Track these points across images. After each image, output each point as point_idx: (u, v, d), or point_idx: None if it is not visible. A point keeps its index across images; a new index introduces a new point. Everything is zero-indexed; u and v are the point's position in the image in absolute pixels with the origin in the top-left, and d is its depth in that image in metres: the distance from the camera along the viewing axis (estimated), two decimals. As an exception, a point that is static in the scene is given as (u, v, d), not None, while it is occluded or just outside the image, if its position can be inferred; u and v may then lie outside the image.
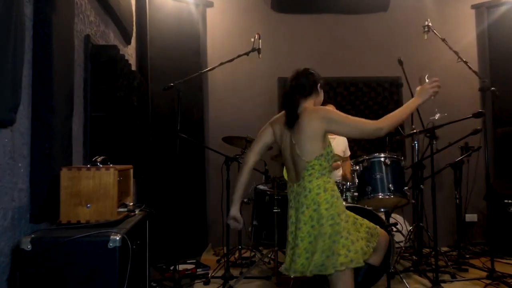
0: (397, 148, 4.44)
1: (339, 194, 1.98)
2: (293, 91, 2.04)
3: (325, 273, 1.87)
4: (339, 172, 3.80)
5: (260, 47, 3.12)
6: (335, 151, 3.61)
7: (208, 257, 3.89)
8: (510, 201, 3.83)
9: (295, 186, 2.00)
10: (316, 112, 1.97)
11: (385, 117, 1.95)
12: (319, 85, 2.10)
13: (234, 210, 2.17)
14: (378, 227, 2.11)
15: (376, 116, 4.52)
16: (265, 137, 2.15)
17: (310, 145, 1.93)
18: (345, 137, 1.96)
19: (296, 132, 1.97)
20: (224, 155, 3.19)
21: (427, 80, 2.01)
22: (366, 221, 2.07)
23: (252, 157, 2.14)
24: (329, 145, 2.00)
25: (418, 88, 2.02)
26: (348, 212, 2.00)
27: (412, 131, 3.42)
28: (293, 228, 1.98)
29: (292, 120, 1.99)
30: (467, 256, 3.72)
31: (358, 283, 2.57)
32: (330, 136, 4.20)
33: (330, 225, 1.87)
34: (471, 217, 4.40)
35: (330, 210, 1.88)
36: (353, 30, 4.62)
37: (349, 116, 1.96)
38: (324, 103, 4.17)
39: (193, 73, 3.20)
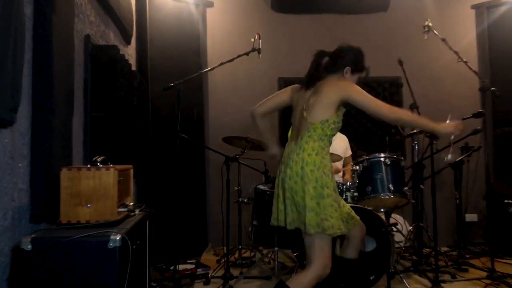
0: (397, 148, 4.44)
1: (330, 165, 2.04)
2: (321, 61, 2.14)
3: (307, 232, 1.96)
4: (340, 172, 3.80)
5: (260, 47, 3.12)
6: (336, 151, 3.62)
7: (208, 257, 3.89)
8: (510, 201, 3.82)
9: (292, 144, 2.10)
10: (337, 84, 2.07)
11: (405, 111, 2.16)
12: (347, 69, 2.15)
13: (275, 149, 2.34)
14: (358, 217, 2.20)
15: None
16: (282, 96, 2.26)
17: (320, 109, 2.01)
18: (362, 109, 2.03)
19: (313, 96, 2.06)
20: (224, 155, 3.19)
21: (448, 120, 2.19)
22: (347, 206, 2.15)
23: (262, 109, 2.26)
24: (339, 116, 2.06)
25: (443, 124, 2.13)
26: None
27: (412, 131, 3.42)
28: (282, 183, 2.08)
29: (310, 81, 2.10)
30: (467, 256, 3.72)
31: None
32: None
33: (313, 187, 1.93)
34: (471, 217, 4.40)
35: (316, 173, 1.94)
36: (353, 30, 4.61)
37: (369, 96, 2.05)
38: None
39: (193, 73, 3.20)
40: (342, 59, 2.16)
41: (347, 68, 2.15)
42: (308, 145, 2.00)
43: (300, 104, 2.13)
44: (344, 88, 2.03)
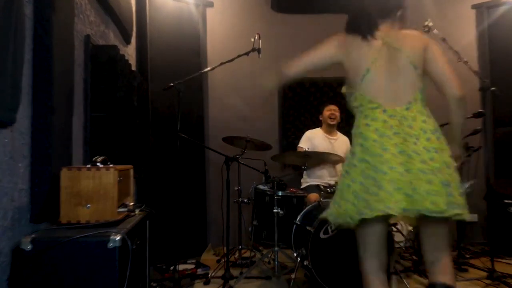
0: (397, 148, 4.43)
1: None
2: None
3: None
4: (339, 172, 3.80)
5: (260, 47, 3.12)
6: (337, 152, 3.62)
7: (208, 257, 3.89)
8: (510, 201, 3.82)
9: (398, 109, 1.71)
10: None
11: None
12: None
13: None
14: None
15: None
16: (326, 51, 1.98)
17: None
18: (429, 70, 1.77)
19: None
20: (224, 155, 3.19)
21: None
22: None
23: (296, 69, 1.96)
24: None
25: None
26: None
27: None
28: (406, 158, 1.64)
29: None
30: (467, 256, 3.72)
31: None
32: (332, 137, 4.19)
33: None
34: (471, 217, 4.39)
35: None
36: (353, 30, 4.61)
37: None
38: (328, 103, 4.16)
39: (193, 73, 3.20)
40: None
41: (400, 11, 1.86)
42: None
43: (379, 58, 1.78)
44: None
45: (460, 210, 1.61)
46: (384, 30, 1.81)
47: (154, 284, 2.91)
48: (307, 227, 2.88)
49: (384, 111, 1.72)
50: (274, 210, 3.10)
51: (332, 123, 3.83)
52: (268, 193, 3.34)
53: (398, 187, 1.57)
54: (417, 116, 1.69)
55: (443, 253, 1.73)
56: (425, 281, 3.07)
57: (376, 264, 1.75)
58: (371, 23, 1.83)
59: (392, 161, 1.61)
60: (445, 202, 1.57)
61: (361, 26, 1.85)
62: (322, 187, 3.53)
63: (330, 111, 3.84)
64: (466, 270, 3.34)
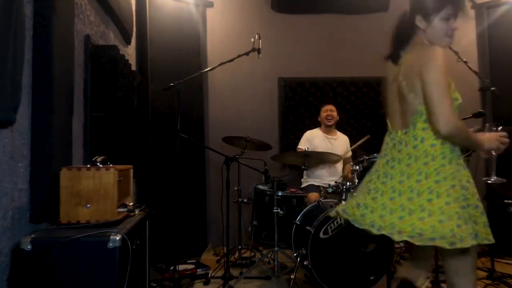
0: (397, 148, 4.42)
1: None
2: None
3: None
4: (340, 173, 3.81)
5: (260, 47, 3.12)
6: (337, 151, 3.63)
7: (208, 257, 3.90)
8: (510, 201, 3.82)
9: (398, 133, 1.77)
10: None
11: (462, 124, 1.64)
12: (418, 18, 1.85)
13: None
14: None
15: (376, 116, 4.54)
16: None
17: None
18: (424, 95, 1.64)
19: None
20: (224, 155, 3.19)
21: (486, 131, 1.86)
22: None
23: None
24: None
25: (485, 135, 1.84)
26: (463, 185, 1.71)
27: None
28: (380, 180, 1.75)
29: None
30: (467, 256, 3.72)
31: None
32: (332, 136, 4.20)
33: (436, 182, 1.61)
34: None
35: (448, 166, 1.65)
36: (353, 30, 4.61)
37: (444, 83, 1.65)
38: (324, 103, 4.17)
39: (193, 73, 3.20)
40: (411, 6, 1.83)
41: (418, 17, 1.82)
42: (428, 133, 1.68)
43: (393, 82, 1.82)
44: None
45: (410, 237, 1.56)
46: (408, 50, 1.83)
47: (154, 284, 2.91)
48: (307, 227, 2.88)
49: (390, 133, 1.85)
50: (274, 210, 3.10)
51: (329, 123, 3.84)
52: (268, 193, 3.34)
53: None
54: (411, 141, 1.71)
55: (456, 284, 1.74)
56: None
57: (416, 263, 2.04)
58: (395, 47, 1.88)
59: (365, 180, 1.86)
60: (379, 224, 1.64)
61: (391, 53, 1.90)
62: (322, 187, 3.53)
63: (327, 112, 3.85)
64: (466, 270, 3.34)
